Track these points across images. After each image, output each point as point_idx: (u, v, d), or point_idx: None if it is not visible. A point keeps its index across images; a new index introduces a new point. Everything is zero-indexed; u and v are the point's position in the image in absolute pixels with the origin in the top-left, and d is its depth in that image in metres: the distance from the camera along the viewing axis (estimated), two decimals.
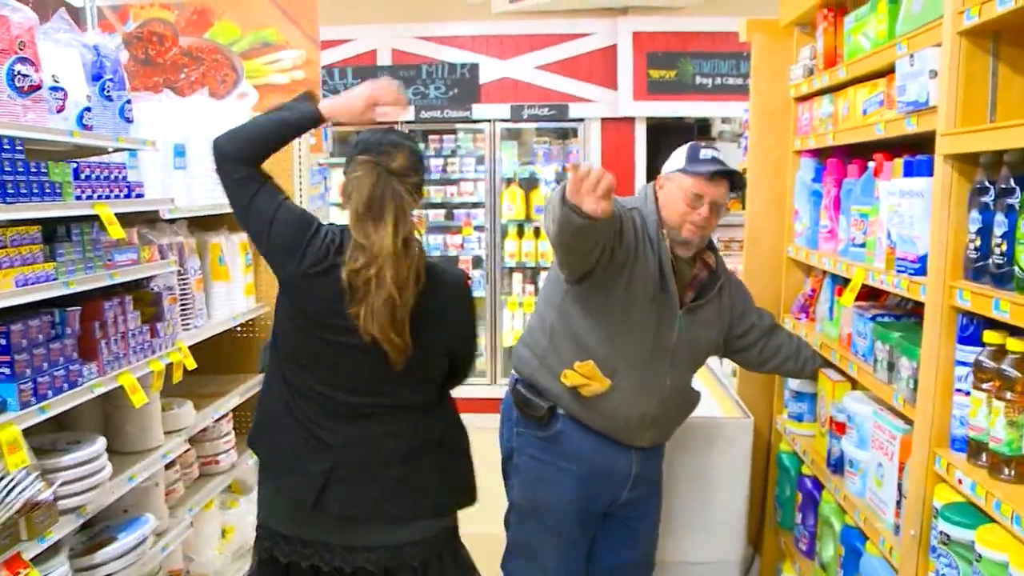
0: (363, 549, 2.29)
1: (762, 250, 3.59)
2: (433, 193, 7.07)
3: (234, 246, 3.73)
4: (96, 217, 2.54)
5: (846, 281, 2.80)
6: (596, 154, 6.75)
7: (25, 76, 2.24)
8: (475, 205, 7.10)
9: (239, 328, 4.04)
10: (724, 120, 7.15)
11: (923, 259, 2.14)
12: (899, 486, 2.26)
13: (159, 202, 3.00)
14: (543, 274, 7.11)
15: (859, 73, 2.63)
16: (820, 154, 3.17)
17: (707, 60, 6.52)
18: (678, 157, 2.60)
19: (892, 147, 2.58)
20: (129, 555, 2.65)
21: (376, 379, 2.26)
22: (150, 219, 3.17)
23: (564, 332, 2.60)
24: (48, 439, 2.56)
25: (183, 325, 3.25)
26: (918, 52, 2.09)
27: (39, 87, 2.29)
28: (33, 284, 2.24)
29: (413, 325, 2.19)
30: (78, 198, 2.46)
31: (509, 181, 7.03)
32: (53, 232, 2.42)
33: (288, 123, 2.29)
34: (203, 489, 3.43)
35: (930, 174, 2.11)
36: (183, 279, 3.24)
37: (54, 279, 2.32)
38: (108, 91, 2.70)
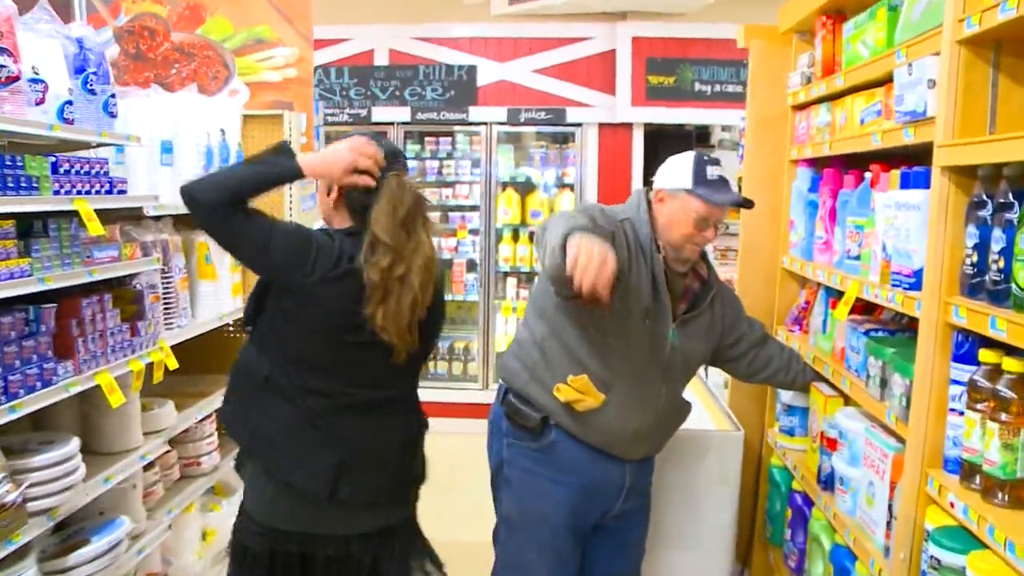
0: (358, 537, 2.40)
1: (757, 260, 3.54)
2: (428, 195, 6.92)
3: None
4: (75, 213, 2.48)
5: (840, 294, 2.75)
6: (593, 160, 6.70)
7: (2, 67, 2.18)
8: (470, 208, 7.03)
9: (229, 328, 3.99)
10: (724, 128, 7.10)
11: (918, 273, 2.09)
12: (890, 506, 2.21)
13: (142, 199, 2.95)
14: (538, 280, 7.03)
15: (857, 82, 2.59)
16: (817, 164, 3.12)
17: (706, 67, 6.47)
18: (681, 173, 2.52)
19: (889, 158, 2.54)
20: (102, 558, 2.60)
21: (381, 374, 2.36)
22: (135, 216, 3.11)
23: (556, 345, 2.54)
24: (20, 439, 2.51)
25: (166, 324, 3.19)
26: (917, 61, 2.04)
27: (17, 78, 2.24)
28: (6, 280, 2.18)
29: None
30: (56, 193, 2.40)
31: (505, 185, 6.97)
32: (29, 227, 2.36)
33: (267, 177, 2.26)
34: (184, 491, 3.37)
35: (927, 186, 2.07)
36: (167, 277, 3.19)
37: (29, 275, 2.27)
38: (91, 85, 2.64)
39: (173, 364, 3.05)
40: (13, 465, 2.31)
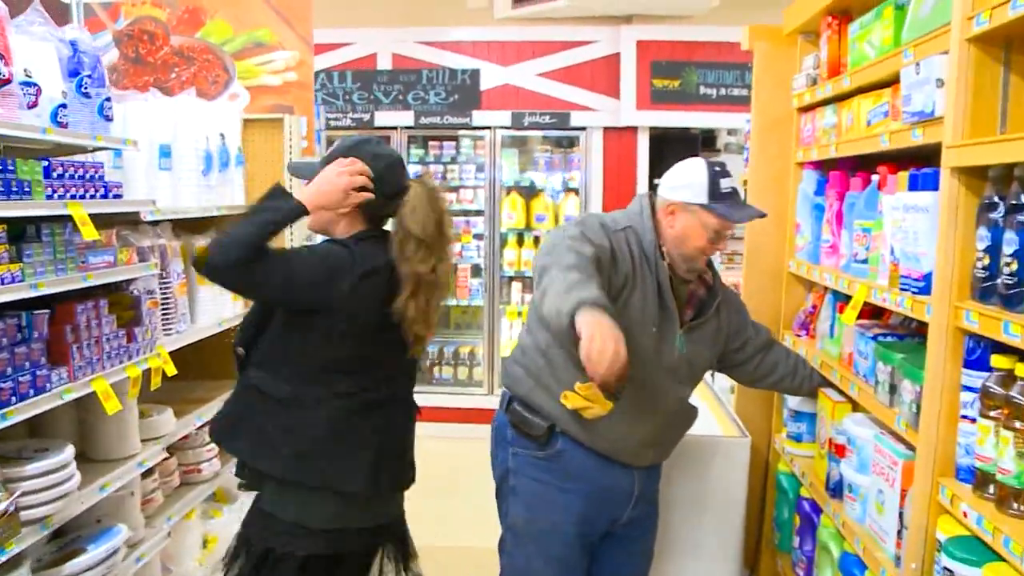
0: (383, 528, 2.51)
1: (762, 265, 3.49)
2: None
3: None
4: (70, 217, 2.45)
5: (848, 298, 2.70)
6: (598, 164, 6.66)
7: None
8: (475, 213, 7.01)
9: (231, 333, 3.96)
10: (730, 132, 7.05)
11: (928, 277, 2.04)
12: (900, 515, 2.16)
13: (139, 203, 2.92)
14: None
15: (864, 82, 2.54)
16: (823, 166, 3.07)
17: (712, 70, 6.43)
18: (695, 186, 2.47)
19: (898, 159, 2.49)
20: (98, 567, 2.56)
21: (395, 369, 2.48)
22: (133, 221, 3.08)
23: (560, 352, 2.49)
24: (15, 446, 2.47)
25: (164, 330, 3.16)
26: (924, 60, 1.99)
27: (9, 81, 2.20)
28: None
29: None
30: (49, 197, 2.37)
31: (509, 189, 6.95)
32: (22, 232, 2.33)
33: (277, 223, 2.29)
34: (184, 498, 3.33)
35: (936, 188, 2.02)
36: (165, 283, 3.16)
37: (21, 280, 2.23)
38: (86, 88, 2.61)
39: (171, 370, 3.02)
40: (6, 473, 2.28)
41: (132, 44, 4.05)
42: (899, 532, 2.16)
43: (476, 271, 7.02)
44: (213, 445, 3.58)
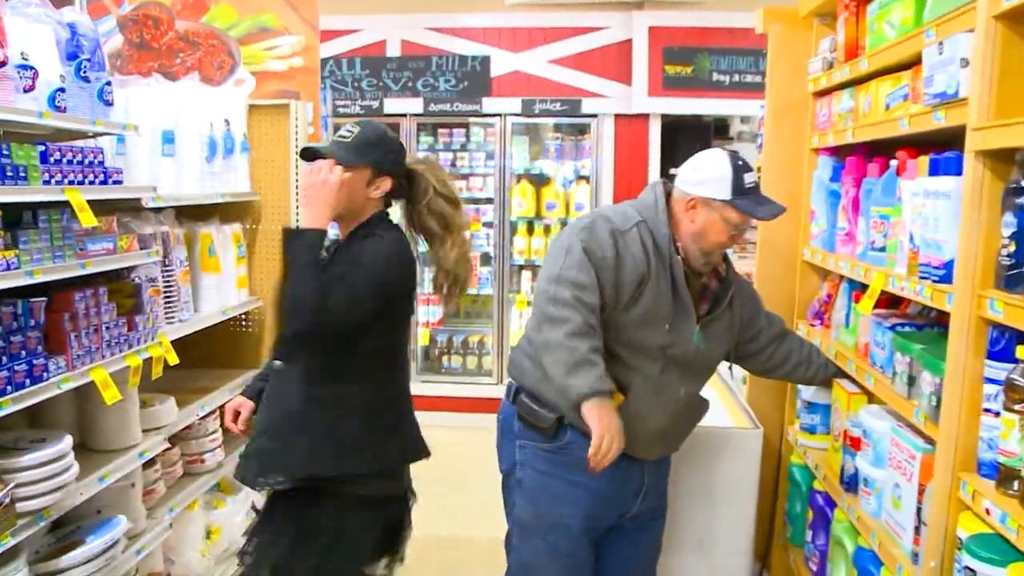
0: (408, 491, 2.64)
1: (776, 253, 3.42)
2: None
3: (226, 237, 3.59)
4: (68, 203, 2.39)
5: (864, 286, 2.63)
6: (609, 151, 6.57)
7: None
8: (485, 201, 6.94)
9: (242, 321, 3.92)
10: (743, 120, 6.96)
11: (949, 265, 1.97)
12: (918, 510, 2.09)
13: (139, 189, 2.87)
14: None
15: (882, 65, 2.46)
16: (839, 152, 3.00)
17: (725, 56, 6.33)
18: (719, 182, 2.40)
19: (917, 145, 2.42)
20: (97, 559, 2.52)
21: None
22: (135, 208, 3.03)
23: None
24: (12, 436, 2.43)
25: (167, 318, 3.11)
26: (948, 39, 1.92)
27: (4, 63, 2.15)
28: None
29: None
30: (46, 182, 2.32)
31: (520, 177, 6.87)
32: (18, 218, 2.28)
33: (312, 256, 2.28)
34: (186, 489, 3.30)
35: (959, 172, 1.94)
36: (168, 270, 3.11)
37: (16, 268, 2.18)
38: (85, 71, 2.55)
39: (173, 359, 2.97)
40: (1, 464, 2.24)
41: (136, 29, 3.99)
42: (917, 528, 2.10)
43: (486, 259, 6.96)
44: (217, 435, 3.54)
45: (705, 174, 2.43)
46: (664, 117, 6.53)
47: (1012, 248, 1.71)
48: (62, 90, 2.42)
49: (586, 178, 6.77)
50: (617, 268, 2.34)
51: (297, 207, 3.89)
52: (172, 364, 2.98)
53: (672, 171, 2.57)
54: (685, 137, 6.73)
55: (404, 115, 6.67)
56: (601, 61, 6.51)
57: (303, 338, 2.31)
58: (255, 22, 4.11)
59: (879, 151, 2.68)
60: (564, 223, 6.80)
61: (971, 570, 1.69)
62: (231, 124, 3.57)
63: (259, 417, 2.50)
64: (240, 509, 3.66)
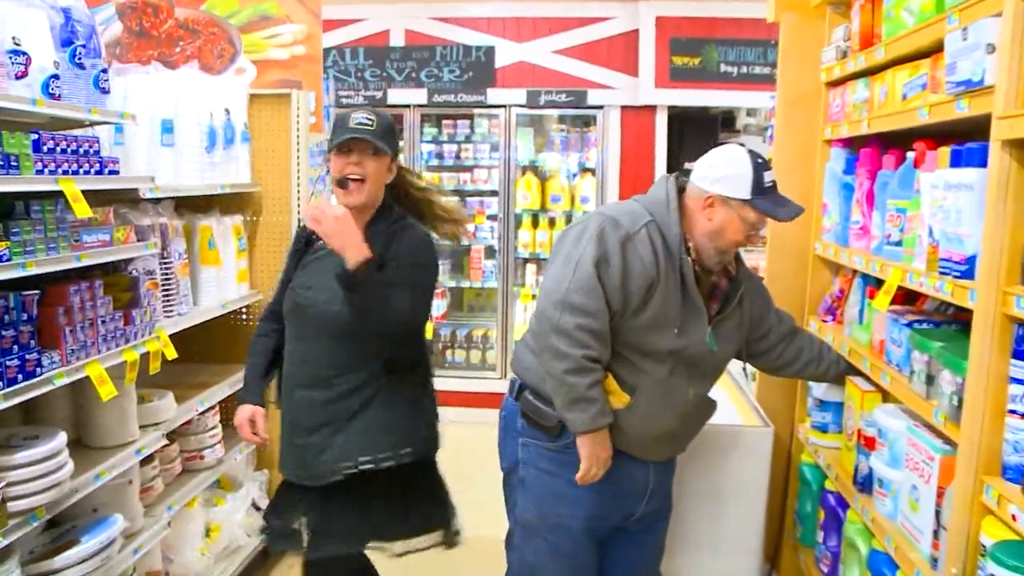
0: None
1: (786, 247, 3.35)
2: (446, 180, 6.85)
3: (226, 229, 3.53)
4: (62, 194, 2.33)
5: (879, 282, 2.56)
6: (615, 143, 6.49)
7: None
8: (489, 193, 6.86)
9: (242, 315, 3.87)
10: (749, 112, 6.88)
11: (972, 260, 1.90)
12: (937, 513, 2.02)
13: (136, 180, 2.81)
14: None
15: (900, 53, 2.39)
16: (852, 144, 2.93)
17: (733, 47, 6.24)
18: (739, 180, 2.33)
19: (935, 136, 2.34)
20: (93, 559, 2.46)
21: None
22: (133, 199, 2.97)
23: None
24: (5, 433, 2.37)
25: (165, 312, 3.06)
26: (973, 24, 1.84)
27: None
28: None
29: None
30: (39, 172, 2.25)
31: (524, 169, 6.80)
32: (10, 209, 2.21)
33: (382, 280, 2.42)
34: (185, 486, 3.24)
35: (983, 164, 1.87)
36: (166, 263, 3.05)
37: (8, 260, 2.12)
38: (80, 58, 2.48)
39: (172, 354, 2.91)
40: None
41: (136, 17, 3.92)
42: (935, 532, 2.04)
43: (490, 253, 6.89)
44: (217, 431, 3.49)
45: (723, 171, 2.36)
46: (671, 109, 6.45)
47: None
48: (56, 77, 2.35)
49: (591, 170, 6.70)
50: (625, 278, 2.28)
51: (299, 200, 3.83)
52: (170, 359, 2.92)
53: (687, 166, 2.49)
54: (692, 129, 6.66)
55: (408, 106, 6.60)
56: (607, 52, 6.43)
57: (394, 345, 2.53)
58: (256, 10, 4.04)
59: (894, 143, 2.61)
60: (569, 216, 6.74)
61: None
62: (231, 114, 3.51)
63: (309, 415, 2.55)
64: (240, 506, 3.61)
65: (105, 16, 3.89)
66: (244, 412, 2.64)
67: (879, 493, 2.42)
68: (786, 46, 3.37)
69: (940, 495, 2.02)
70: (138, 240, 2.77)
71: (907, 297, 2.51)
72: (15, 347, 2.16)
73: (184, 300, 3.18)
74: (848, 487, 2.63)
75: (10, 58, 2.18)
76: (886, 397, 2.55)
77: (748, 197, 2.33)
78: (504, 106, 6.58)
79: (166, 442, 3.01)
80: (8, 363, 2.12)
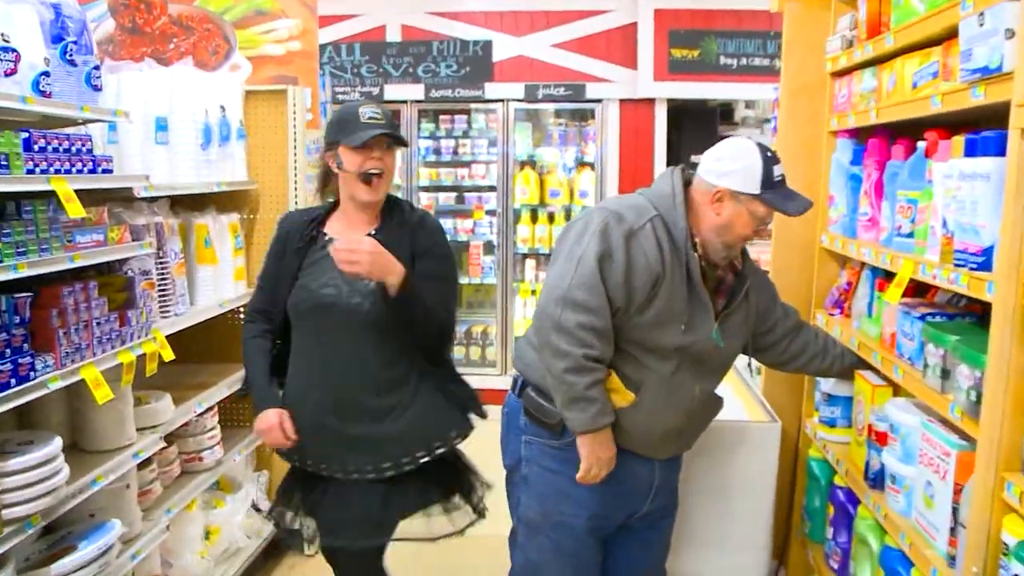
0: None
1: (792, 239, 3.31)
2: (443, 175, 6.80)
3: (223, 227, 3.48)
4: (54, 193, 2.28)
5: (888, 274, 2.52)
6: (614, 137, 6.44)
7: None
8: (487, 188, 6.82)
9: (239, 314, 3.81)
10: (748, 105, 6.84)
11: (989, 251, 1.85)
12: (954, 510, 1.98)
13: (130, 178, 2.75)
14: None
15: (910, 41, 2.34)
16: (859, 134, 2.88)
17: (732, 39, 6.19)
18: (749, 174, 2.28)
19: (945, 125, 2.30)
20: (90, 566, 2.41)
21: None
22: (127, 198, 2.91)
23: None
24: None
25: (162, 312, 3.00)
26: (990, 8, 1.79)
27: None
28: None
29: None
30: (30, 171, 2.20)
31: (523, 164, 6.75)
32: (1, 209, 2.16)
33: (422, 287, 2.48)
34: (184, 489, 3.19)
35: (1000, 152, 1.82)
36: (162, 262, 3.00)
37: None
38: (71, 55, 2.43)
39: (169, 355, 2.86)
40: None
41: (128, 13, 3.86)
42: (952, 529, 1.99)
43: (489, 248, 6.84)
44: (215, 432, 3.44)
45: (732, 165, 2.30)
46: (670, 102, 6.40)
47: None
48: (47, 74, 2.30)
49: (590, 165, 6.65)
50: (628, 274, 2.23)
51: (296, 197, 3.79)
52: (167, 360, 2.87)
53: (694, 158, 2.44)
54: (690, 122, 6.61)
55: (405, 101, 6.55)
56: (606, 45, 6.38)
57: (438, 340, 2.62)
58: (251, 5, 3.99)
59: (902, 132, 2.57)
60: (568, 211, 6.69)
61: None
62: (227, 110, 3.45)
63: (358, 410, 2.52)
64: (240, 508, 3.56)
65: (97, 13, 3.84)
66: (271, 417, 2.50)
67: (891, 489, 2.38)
68: (790, 36, 3.32)
69: (957, 492, 1.97)
70: (133, 240, 2.72)
71: (917, 289, 2.47)
72: (7, 351, 2.10)
73: (181, 300, 3.13)
74: (859, 483, 2.59)
75: None
76: (897, 391, 2.51)
77: (758, 191, 2.28)
78: (502, 100, 6.53)
79: (164, 444, 2.95)
80: (0, 367, 2.07)
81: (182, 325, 3.08)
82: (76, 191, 2.32)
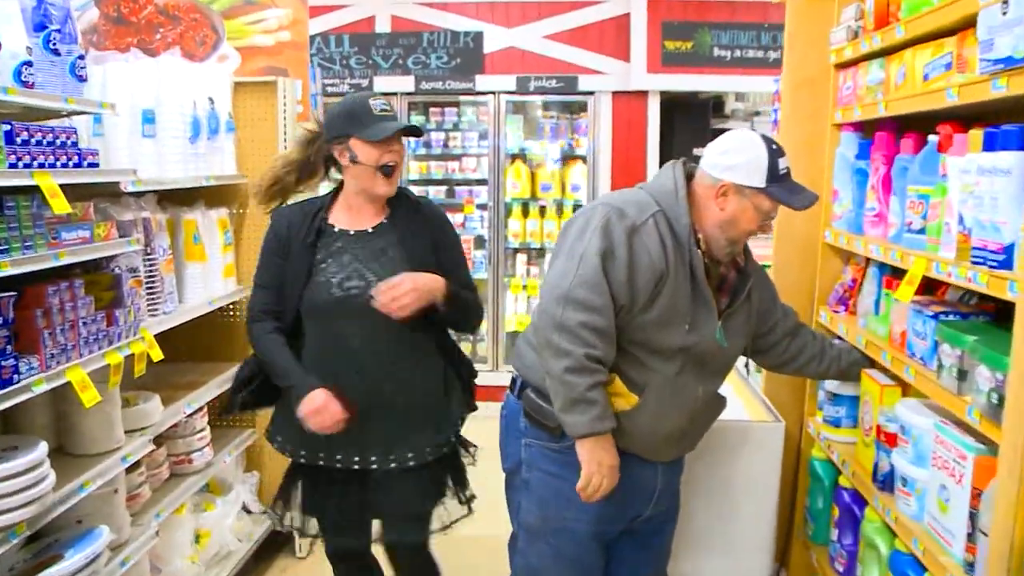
0: None
1: (794, 235, 3.25)
2: (434, 169, 6.72)
3: (212, 223, 3.39)
4: (38, 188, 2.19)
5: (896, 271, 2.46)
6: (607, 130, 6.38)
7: None
8: (478, 182, 6.74)
9: (229, 311, 3.73)
10: (738, 97, 6.79)
11: (1010, 249, 1.79)
12: (972, 516, 1.92)
13: (117, 172, 2.66)
14: (548, 256, 6.75)
15: (922, 31, 2.28)
16: (864, 128, 2.82)
17: (726, 31, 6.13)
18: (755, 167, 2.21)
19: (954, 119, 2.24)
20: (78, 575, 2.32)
21: None
22: (113, 193, 2.82)
23: None
24: None
25: (150, 311, 2.92)
26: None
27: None
28: None
29: None
30: (12, 166, 2.11)
31: (514, 157, 6.67)
32: None
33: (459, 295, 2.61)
34: (174, 492, 3.11)
35: (1022, 147, 1.77)
36: (150, 259, 2.91)
37: None
38: (54, 44, 2.33)
39: (158, 355, 2.78)
40: None
41: (113, 3, 3.76)
42: (970, 535, 1.93)
43: (479, 243, 6.77)
44: (205, 433, 3.36)
45: (737, 158, 2.23)
46: (663, 94, 6.34)
47: None
48: (29, 64, 2.21)
49: (582, 158, 6.58)
50: (632, 272, 2.17)
51: None
52: (156, 360, 2.78)
53: (696, 151, 2.38)
54: (682, 115, 6.55)
55: (395, 94, 6.45)
56: (598, 36, 6.31)
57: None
58: None
59: (909, 126, 2.51)
60: (560, 204, 6.64)
61: None
62: (215, 103, 3.36)
63: (390, 399, 2.53)
64: (231, 510, 3.49)
65: (80, 2, 3.73)
66: (319, 398, 2.42)
67: (902, 492, 2.32)
68: (793, 27, 3.26)
69: (975, 497, 1.92)
70: (120, 236, 2.63)
71: (925, 287, 2.41)
72: None
73: (169, 298, 3.04)
74: (867, 484, 2.54)
75: None
76: (906, 391, 2.46)
77: (763, 185, 2.22)
78: (493, 93, 6.46)
79: (153, 447, 2.87)
80: None
81: (171, 324, 3.00)
82: (61, 186, 2.24)
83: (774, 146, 2.25)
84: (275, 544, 3.91)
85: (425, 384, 2.59)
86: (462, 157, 6.71)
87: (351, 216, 2.58)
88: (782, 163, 2.24)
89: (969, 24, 2.03)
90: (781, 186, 2.23)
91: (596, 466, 2.19)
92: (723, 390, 2.54)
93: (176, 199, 3.30)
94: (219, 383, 3.41)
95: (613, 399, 2.22)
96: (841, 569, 2.77)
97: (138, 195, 2.97)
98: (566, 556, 2.40)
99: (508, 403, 2.51)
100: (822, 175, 3.02)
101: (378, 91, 6.20)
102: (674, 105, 6.48)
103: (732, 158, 2.25)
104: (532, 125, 6.81)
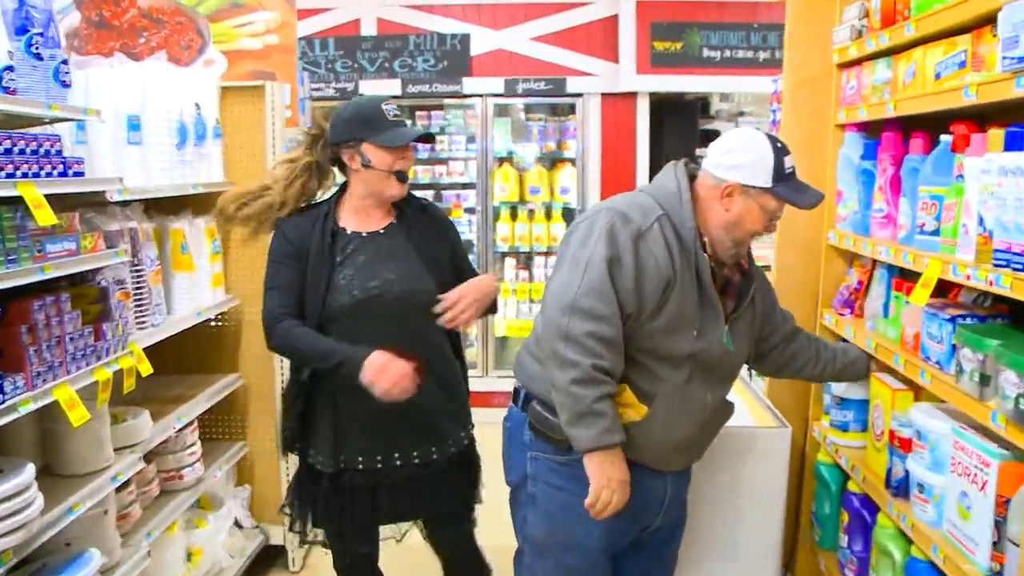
0: None
1: (797, 237, 3.20)
2: (420, 173, 6.63)
3: (199, 232, 3.30)
4: (21, 199, 2.10)
5: (905, 273, 2.41)
6: (595, 132, 6.32)
7: None
8: (465, 186, 6.67)
9: (218, 322, 3.65)
10: (722, 98, 6.75)
11: None
12: (997, 523, 1.87)
13: (104, 181, 2.57)
14: (537, 259, 6.71)
15: (935, 29, 2.23)
16: (868, 128, 2.77)
17: (715, 31, 6.08)
18: (761, 166, 2.16)
19: (965, 118, 2.19)
20: None
21: None
22: (98, 202, 2.73)
23: None
24: None
25: (138, 324, 2.83)
26: None
27: None
28: None
29: None
30: None
31: (502, 160, 6.60)
32: None
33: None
34: (164, 509, 3.01)
35: None
36: (137, 270, 2.82)
37: None
38: (36, 48, 2.24)
39: (147, 369, 2.69)
40: None
41: (95, 6, 3.66)
42: (995, 543, 1.88)
43: (468, 247, 6.69)
44: (196, 448, 3.26)
45: (742, 157, 2.18)
46: (652, 96, 6.29)
47: None
48: (10, 68, 2.12)
49: (571, 160, 6.52)
50: (639, 279, 2.11)
51: None
52: (144, 375, 2.69)
53: (699, 152, 2.32)
54: (671, 116, 6.50)
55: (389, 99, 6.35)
56: (586, 38, 6.25)
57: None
58: None
59: (914, 126, 2.46)
60: (548, 208, 6.58)
61: None
62: (202, 108, 3.27)
63: (423, 395, 2.50)
64: (223, 526, 3.40)
65: (61, 5, 3.63)
66: (381, 356, 2.38)
67: (918, 498, 2.27)
68: (793, 27, 3.21)
69: (1000, 504, 1.87)
70: (107, 247, 2.54)
71: (936, 289, 2.36)
72: None
73: (157, 310, 2.95)
74: (879, 490, 2.49)
75: None
76: (919, 395, 2.41)
77: (769, 184, 2.16)
78: (480, 95, 6.39)
79: (143, 464, 2.77)
80: None
81: (160, 336, 2.91)
82: (46, 196, 2.14)
83: (779, 144, 2.20)
84: (268, 559, 3.82)
85: (449, 377, 2.65)
86: (449, 161, 6.63)
87: (360, 219, 2.59)
88: (787, 162, 2.18)
89: (985, 21, 1.98)
90: (787, 185, 2.18)
91: (605, 481, 2.11)
92: (734, 404, 2.49)
93: (162, 207, 3.21)
94: (208, 396, 3.32)
95: (622, 410, 2.16)
96: (851, 575, 2.72)
97: (124, 204, 2.88)
98: (576, 572, 2.33)
99: (512, 415, 2.43)
100: (824, 176, 2.96)
101: (363, 94, 6.22)
102: (662, 106, 6.43)
103: (736, 157, 2.19)
104: (519, 128, 6.74)
